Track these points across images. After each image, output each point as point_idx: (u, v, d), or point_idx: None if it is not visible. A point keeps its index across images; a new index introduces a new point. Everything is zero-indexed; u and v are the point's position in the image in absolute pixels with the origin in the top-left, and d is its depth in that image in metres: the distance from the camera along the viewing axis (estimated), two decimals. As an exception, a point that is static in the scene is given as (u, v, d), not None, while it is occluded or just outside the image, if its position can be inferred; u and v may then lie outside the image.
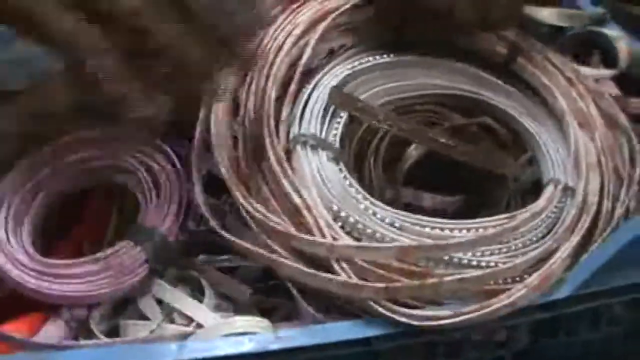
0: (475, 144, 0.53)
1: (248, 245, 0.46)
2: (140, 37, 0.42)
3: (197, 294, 0.48)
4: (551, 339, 0.48)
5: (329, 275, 0.44)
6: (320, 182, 0.47)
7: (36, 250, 0.47)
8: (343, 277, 0.44)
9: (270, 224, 0.45)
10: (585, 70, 0.57)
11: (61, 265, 0.46)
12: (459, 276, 0.44)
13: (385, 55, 0.53)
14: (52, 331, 0.45)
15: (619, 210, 0.49)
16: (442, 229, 0.46)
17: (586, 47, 0.59)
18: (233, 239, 0.46)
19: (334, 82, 0.51)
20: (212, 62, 0.44)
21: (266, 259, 0.45)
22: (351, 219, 0.46)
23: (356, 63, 0.52)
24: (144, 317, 0.47)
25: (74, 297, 0.45)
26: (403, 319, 0.43)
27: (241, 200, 0.46)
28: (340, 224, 0.46)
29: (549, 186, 0.50)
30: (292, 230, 0.45)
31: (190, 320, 0.46)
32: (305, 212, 0.45)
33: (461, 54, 0.54)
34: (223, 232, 0.47)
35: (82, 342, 0.45)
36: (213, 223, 0.47)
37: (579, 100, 0.54)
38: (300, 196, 0.46)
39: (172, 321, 0.46)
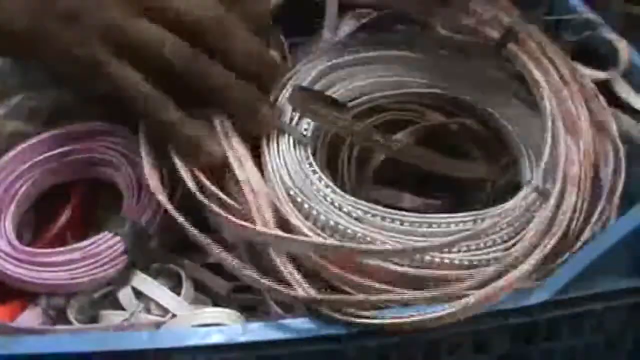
0: (453, 144, 0.52)
1: (188, 227, 0.45)
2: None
3: (178, 287, 0.49)
4: (531, 345, 0.47)
5: (257, 277, 0.43)
6: (281, 167, 0.47)
7: (21, 239, 0.49)
8: (269, 282, 0.43)
9: (213, 207, 0.45)
10: (581, 69, 0.54)
11: (40, 253, 0.47)
12: (386, 297, 0.43)
13: (363, 51, 0.53)
14: (29, 319, 0.46)
15: (594, 226, 0.48)
16: (402, 222, 0.45)
17: (586, 54, 0.58)
18: (181, 219, 0.46)
19: (312, 74, 0.51)
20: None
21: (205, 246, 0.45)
22: (306, 205, 0.46)
23: (334, 57, 0.52)
24: (122, 308, 0.48)
25: (53, 285, 0.47)
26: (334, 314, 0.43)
27: (185, 175, 0.46)
28: (293, 210, 0.46)
29: (522, 190, 0.49)
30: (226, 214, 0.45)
31: (166, 311, 0.47)
32: (249, 197, 0.45)
33: (445, 42, 0.53)
34: (171, 208, 0.46)
35: (56, 327, 0.46)
36: (163, 200, 0.47)
37: (569, 102, 0.51)
38: (247, 182, 0.46)
39: (148, 312, 0.47)
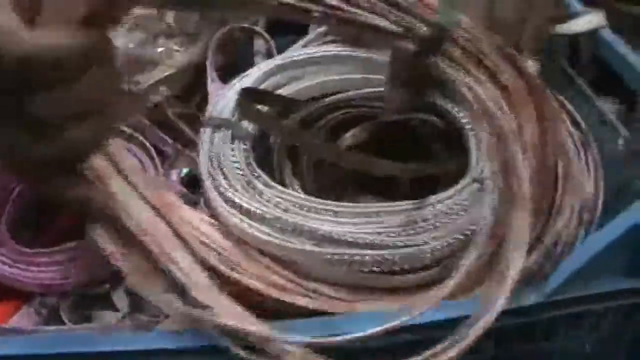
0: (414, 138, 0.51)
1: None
2: None
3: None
4: (527, 345, 0.47)
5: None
6: (214, 162, 0.47)
7: (18, 239, 0.49)
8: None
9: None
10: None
11: (34, 253, 0.47)
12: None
13: (317, 49, 0.52)
14: (22, 319, 0.46)
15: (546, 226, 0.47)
16: (335, 213, 0.44)
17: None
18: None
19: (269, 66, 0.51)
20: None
21: None
22: (237, 199, 0.45)
23: (288, 55, 0.52)
24: (116, 308, 0.48)
25: (47, 284, 0.47)
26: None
27: None
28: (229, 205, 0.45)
29: (463, 180, 0.47)
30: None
31: (160, 311, 0.47)
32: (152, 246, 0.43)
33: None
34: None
35: (46, 327, 0.46)
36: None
37: (500, 113, 0.46)
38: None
39: (142, 312, 0.47)
